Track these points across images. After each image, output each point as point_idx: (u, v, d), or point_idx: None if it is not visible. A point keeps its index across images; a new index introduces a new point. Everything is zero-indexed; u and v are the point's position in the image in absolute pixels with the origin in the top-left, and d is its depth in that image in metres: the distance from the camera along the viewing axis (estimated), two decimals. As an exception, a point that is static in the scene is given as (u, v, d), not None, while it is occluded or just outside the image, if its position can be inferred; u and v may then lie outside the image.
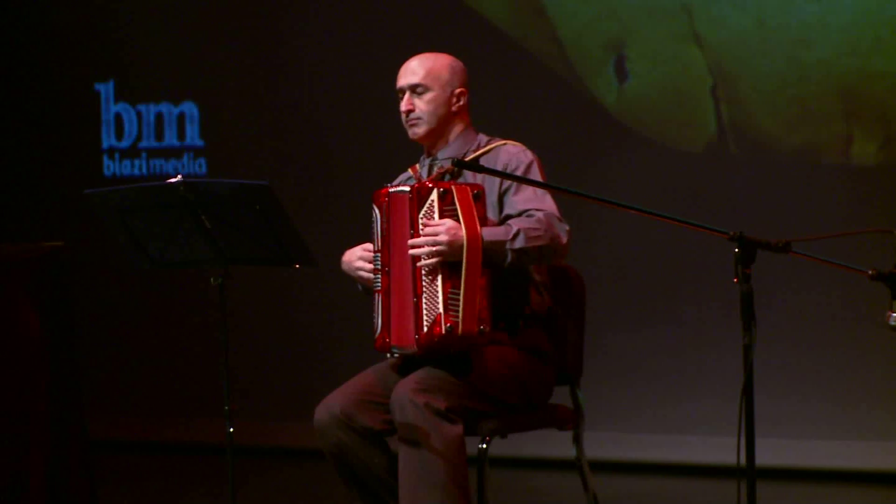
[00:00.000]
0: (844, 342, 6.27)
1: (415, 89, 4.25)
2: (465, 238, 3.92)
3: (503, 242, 3.99)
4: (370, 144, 6.93)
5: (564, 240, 4.06)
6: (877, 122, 6.29)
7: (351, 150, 7.10)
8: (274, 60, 7.38)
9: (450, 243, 3.91)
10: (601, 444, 6.03)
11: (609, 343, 6.49)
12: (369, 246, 4.14)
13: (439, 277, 3.94)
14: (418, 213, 3.97)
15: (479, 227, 3.96)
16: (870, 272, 3.33)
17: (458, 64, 4.30)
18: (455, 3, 6.94)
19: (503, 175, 4.06)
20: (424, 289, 3.95)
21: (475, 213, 3.97)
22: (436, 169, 4.23)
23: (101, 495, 4.79)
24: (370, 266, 4.11)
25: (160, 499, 6.41)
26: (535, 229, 4.02)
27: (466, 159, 4.18)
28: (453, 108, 4.26)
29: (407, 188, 4.02)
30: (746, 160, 6.49)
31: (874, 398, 6.24)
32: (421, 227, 3.95)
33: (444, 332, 3.92)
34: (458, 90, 4.26)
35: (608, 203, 3.62)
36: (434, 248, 3.92)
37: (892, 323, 3.31)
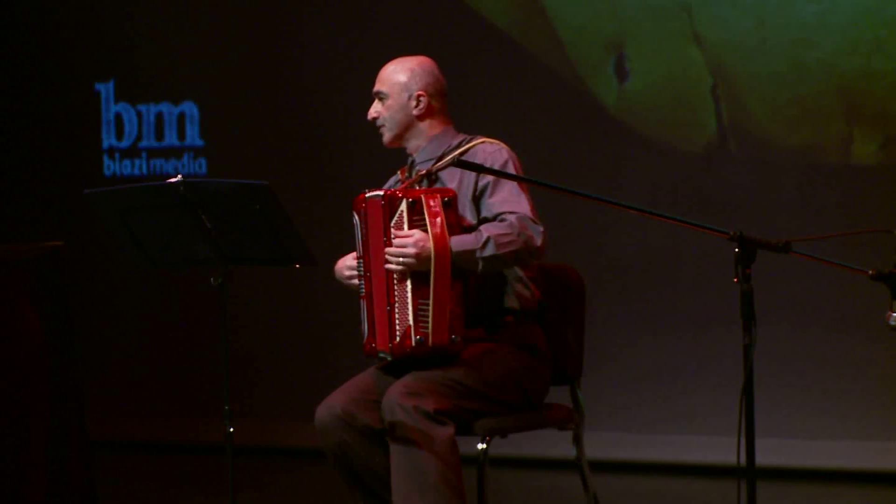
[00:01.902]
0: (844, 342, 6.26)
1: (379, 96, 4.27)
2: (432, 250, 3.92)
3: (473, 251, 3.97)
4: (370, 144, 6.90)
5: (539, 241, 4.03)
6: (877, 122, 6.29)
7: (351, 149, 7.10)
8: (274, 60, 7.38)
9: (417, 255, 3.92)
10: (601, 444, 6.02)
11: (609, 343, 6.49)
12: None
13: (409, 288, 3.95)
14: (390, 221, 3.97)
15: (447, 238, 3.94)
16: (870, 272, 3.33)
17: (423, 67, 4.25)
18: (455, 3, 6.93)
19: (501, 174, 4.03)
20: (396, 298, 3.97)
21: (444, 223, 3.95)
22: (414, 173, 4.23)
23: (101, 495, 4.78)
24: (356, 273, 4.14)
25: (160, 499, 6.40)
26: (505, 234, 3.99)
27: (442, 161, 4.18)
28: (414, 112, 4.23)
29: (380, 193, 4.02)
30: (746, 160, 6.48)
31: (874, 398, 6.24)
32: (393, 237, 3.96)
33: (414, 344, 3.95)
34: (416, 93, 4.22)
35: (608, 203, 3.62)
36: (402, 260, 3.93)
37: (892, 323, 3.31)
